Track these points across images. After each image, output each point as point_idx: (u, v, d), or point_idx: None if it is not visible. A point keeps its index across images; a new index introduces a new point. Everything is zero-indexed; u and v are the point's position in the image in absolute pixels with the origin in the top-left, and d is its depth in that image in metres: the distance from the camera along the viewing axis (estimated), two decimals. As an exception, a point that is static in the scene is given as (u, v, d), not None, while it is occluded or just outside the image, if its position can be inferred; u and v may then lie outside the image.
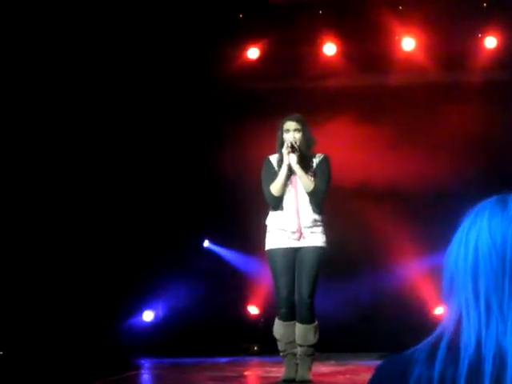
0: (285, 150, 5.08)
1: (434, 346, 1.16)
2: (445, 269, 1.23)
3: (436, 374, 1.12)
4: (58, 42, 6.95)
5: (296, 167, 5.11)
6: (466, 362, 1.12)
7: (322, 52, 7.89)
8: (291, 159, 5.10)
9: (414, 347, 1.19)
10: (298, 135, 5.14)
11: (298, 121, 5.18)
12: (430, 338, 1.19)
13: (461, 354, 1.13)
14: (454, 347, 1.15)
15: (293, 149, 5.07)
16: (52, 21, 6.79)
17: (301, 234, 5.14)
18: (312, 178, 5.18)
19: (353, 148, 7.40)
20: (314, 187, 5.12)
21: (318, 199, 5.16)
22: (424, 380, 1.13)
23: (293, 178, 5.19)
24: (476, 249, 1.19)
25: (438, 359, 1.14)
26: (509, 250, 1.17)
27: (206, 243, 8.14)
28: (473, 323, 1.16)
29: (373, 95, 7.79)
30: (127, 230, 7.47)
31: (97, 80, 7.26)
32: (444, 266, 1.23)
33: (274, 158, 5.28)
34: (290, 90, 7.81)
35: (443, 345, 1.15)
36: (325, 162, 5.27)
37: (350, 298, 7.33)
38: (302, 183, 5.12)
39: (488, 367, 1.11)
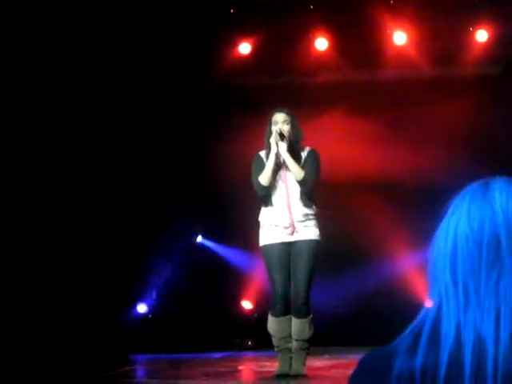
0: (273, 139, 5.07)
1: (416, 335, 1.15)
2: (429, 255, 1.22)
3: (418, 364, 1.11)
4: (54, 43, 6.93)
5: (286, 155, 5.09)
6: (447, 350, 1.11)
7: (313, 47, 7.89)
8: (280, 148, 5.08)
9: (397, 339, 1.18)
10: (286, 127, 5.14)
11: (287, 113, 5.18)
12: (412, 327, 1.17)
13: (441, 342, 1.12)
14: (435, 335, 1.14)
15: (281, 137, 5.06)
16: (48, 22, 6.77)
17: (294, 228, 5.15)
18: (302, 171, 5.17)
19: (345, 142, 7.41)
20: (305, 175, 5.10)
21: (308, 189, 5.15)
22: (406, 370, 1.12)
23: (282, 173, 5.19)
24: (455, 234, 1.18)
25: (420, 348, 1.13)
26: (485, 235, 1.16)
27: (199, 238, 8.15)
28: (452, 310, 1.15)
29: (365, 90, 7.79)
30: (120, 226, 7.46)
31: (88, 76, 7.24)
32: (429, 252, 1.22)
33: (263, 154, 5.29)
34: (281, 85, 7.81)
35: (424, 333, 1.14)
36: (313, 154, 5.28)
37: (343, 292, 7.34)
38: (292, 171, 5.10)
39: (468, 355, 1.10)
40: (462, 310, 1.14)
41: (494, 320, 1.11)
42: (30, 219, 6.98)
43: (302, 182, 5.12)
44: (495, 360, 1.09)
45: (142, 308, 7.84)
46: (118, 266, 7.39)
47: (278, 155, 5.11)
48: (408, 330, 1.18)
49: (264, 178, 5.12)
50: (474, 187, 1.22)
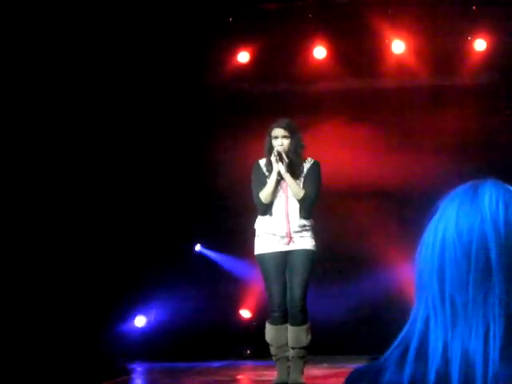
0: (273, 158, 5.09)
1: (404, 351, 1.10)
2: (416, 261, 1.16)
3: (405, 382, 1.07)
4: (55, 50, 6.94)
5: (286, 176, 5.11)
6: (434, 367, 1.06)
7: (312, 55, 7.90)
8: (280, 168, 5.11)
9: (384, 355, 1.13)
10: (286, 142, 5.15)
11: (285, 127, 5.17)
12: (400, 340, 1.12)
13: (429, 359, 1.07)
14: (422, 351, 1.08)
15: (280, 157, 5.08)
16: (46, 26, 6.78)
17: (290, 238, 5.15)
18: (301, 185, 5.18)
19: (342, 150, 7.41)
20: (304, 194, 5.14)
21: (308, 205, 5.18)
22: None
23: (283, 183, 5.20)
24: (443, 241, 1.11)
25: (407, 364, 1.08)
26: (474, 244, 1.09)
27: (198, 247, 8.14)
28: (440, 325, 1.09)
29: (363, 98, 7.80)
30: (119, 236, 7.45)
31: (86, 81, 7.24)
32: (416, 257, 1.16)
33: (263, 162, 5.29)
34: (280, 94, 7.82)
35: (412, 349, 1.09)
36: (315, 167, 5.28)
37: (342, 301, 7.32)
38: (292, 191, 5.13)
39: (455, 373, 1.05)
40: (449, 325, 1.08)
41: (483, 337, 1.06)
42: (26, 221, 6.96)
43: (301, 201, 5.15)
44: (484, 378, 1.04)
45: (140, 321, 7.81)
46: (116, 275, 7.37)
47: (279, 173, 5.13)
48: (396, 344, 1.12)
49: (264, 196, 5.14)
50: (462, 190, 1.15)
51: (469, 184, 1.16)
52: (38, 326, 6.83)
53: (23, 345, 6.54)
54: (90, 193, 7.35)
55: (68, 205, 7.24)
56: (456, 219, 1.11)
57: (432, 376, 1.06)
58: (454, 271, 1.09)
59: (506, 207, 1.10)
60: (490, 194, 1.12)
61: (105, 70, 7.30)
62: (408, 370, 1.07)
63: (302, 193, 5.13)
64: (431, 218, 1.15)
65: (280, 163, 5.10)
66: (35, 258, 6.98)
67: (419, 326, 1.11)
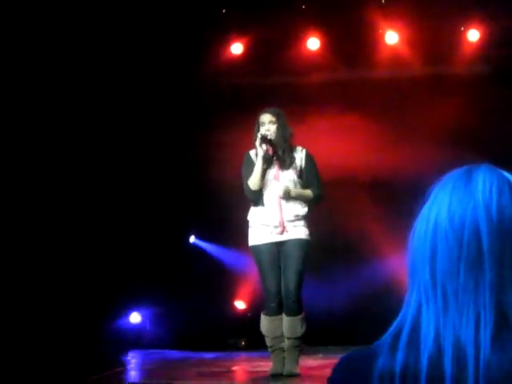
0: (257, 143, 5.09)
1: (396, 337, 1.09)
2: (408, 246, 1.14)
3: (398, 367, 1.06)
4: (49, 47, 6.91)
5: (293, 191, 5.12)
6: (426, 356, 1.05)
7: (305, 47, 7.89)
8: (260, 152, 5.10)
9: (378, 340, 1.12)
10: (272, 127, 5.16)
11: (272, 113, 5.20)
12: (392, 328, 1.12)
13: (421, 346, 1.06)
14: (414, 337, 1.08)
15: (264, 140, 5.07)
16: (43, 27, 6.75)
17: (283, 228, 5.15)
18: (295, 176, 5.18)
19: (336, 141, 7.42)
20: (314, 197, 5.18)
21: (316, 203, 5.24)
22: (386, 373, 1.07)
23: (275, 171, 5.19)
24: (435, 226, 1.10)
25: (400, 350, 1.07)
26: (466, 231, 1.07)
27: (192, 239, 8.14)
28: (431, 312, 1.08)
29: (357, 89, 7.80)
30: (113, 229, 7.44)
31: (78, 75, 7.22)
32: (408, 242, 1.14)
33: (253, 153, 5.29)
34: (274, 85, 7.81)
35: (403, 336, 1.08)
36: (309, 159, 5.28)
37: (338, 291, 7.34)
38: (302, 200, 5.16)
39: (448, 359, 1.04)
40: (441, 313, 1.07)
41: (474, 325, 1.05)
42: (23, 218, 6.95)
43: (313, 202, 5.19)
44: (476, 366, 1.03)
45: (135, 318, 7.80)
46: (109, 267, 7.37)
47: (264, 157, 5.12)
48: (389, 331, 1.12)
49: (253, 183, 5.14)
50: (455, 175, 1.14)
51: (463, 169, 1.15)
52: (32, 320, 6.83)
53: (18, 339, 6.55)
54: (85, 188, 7.34)
55: (63, 200, 7.23)
56: (448, 205, 1.10)
57: (424, 362, 1.05)
58: (446, 258, 1.08)
59: (500, 194, 1.09)
60: (483, 179, 1.10)
61: (96, 64, 7.28)
62: (400, 356, 1.07)
63: (311, 195, 5.18)
64: (424, 203, 1.14)
65: (265, 145, 5.09)
66: (32, 254, 6.98)
67: (411, 312, 1.11)
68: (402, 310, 1.13)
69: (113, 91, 7.49)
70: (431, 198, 1.14)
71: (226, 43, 7.93)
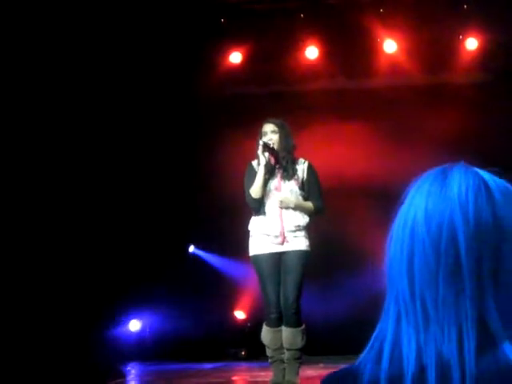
0: (259, 151, 5.08)
1: (378, 353, 1.05)
2: (386, 252, 1.09)
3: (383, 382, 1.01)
4: (48, 50, 6.91)
5: (292, 203, 5.12)
6: (410, 376, 1.00)
7: (304, 56, 7.90)
8: (267, 159, 5.10)
9: (360, 357, 1.08)
10: (275, 137, 5.14)
11: (275, 123, 5.19)
12: (373, 340, 1.07)
13: (404, 365, 1.01)
14: (396, 354, 1.03)
15: (266, 148, 5.06)
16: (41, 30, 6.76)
17: (284, 238, 5.14)
18: (297, 188, 5.18)
19: (335, 149, 7.42)
20: (314, 210, 5.17)
21: (317, 215, 5.24)
22: None
23: (277, 182, 5.19)
24: (412, 232, 1.05)
25: (383, 371, 1.02)
26: (444, 236, 1.02)
27: (192, 248, 8.12)
28: (411, 326, 1.03)
29: (356, 98, 7.81)
30: (113, 238, 7.42)
31: (81, 81, 7.22)
32: (386, 248, 1.09)
33: (256, 163, 5.28)
34: (273, 94, 7.82)
35: (385, 354, 1.03)
36: (312, 172, 5.26)
37: (338, 301, 7.33)
38: (303, 212, 5.15)
39: (431, 378, 0.99)
40: (421, 327, 1.02)
41: (456, 339, 1.00)
42: (22, 225, 6.94)
43: (314, 214, 5.19)
44: (462, 381, 0.98)
45: (134, 325, 7.79)
46: (110, 277, 7.35)
47: (266, 166, 5.11)
48: (369, 345, 1.07)
49: (255, 191, 5.12)
50: (431, 176, 1.09)
51: (438, 169, 1.11)
52: (31, 330, 6.80)
53: (17, 349, 6.52)
54: (85, 196, 7.33)
55: (63, 207, 7.22)
56: (425, 210, 1.05)
57: (409, 382, 1.00)
58: (424, 267, 1.03)
59: (476, 196, 1.04)
60: (459, 181, 1.07)
61: (96, 75, 7.28)
62: (384, 375, 1.02)
63: (312, 209, 5.17)
64: (401, 204, 1.10)
65: (267, 154, 5.08)
66: (31, 261, 6.96)
67: (391, 325, 1.06)
68: (381, 320, 1.08)
69: (113, 102, 7.49)
70: (407, 201, 1.09)
71: (225, 53, 7.94)
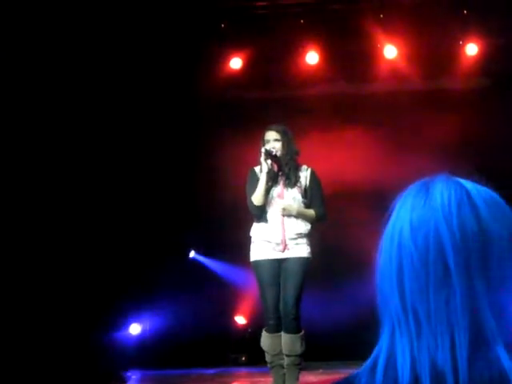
0: (262, 158, 5.08)
1: (373, 366, 1.06)
2: (376, 271, 1.10)
3: None
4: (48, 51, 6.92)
5: (295, 211, 5.12)
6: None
7: (304, 61, 7.91)
8: (270, 166, 5.10)
9: (355, 372, 1.09)
10: (277, 145, 5.14)
11: (277, 131, 5.17)
12: (371, 358, 1.08)
13: (398, 376, 1.03)
14: (391, 366, 1.04)
15: (269, 155, 5.06)
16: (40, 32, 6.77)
17: (285, 245, 5.13)
18: (299, 195, 5.17)
19: (337, 155, 7.42)
20: (316, 217, 5.17)
21: (320, 222, 5.24)
22: None
23: (279, 189, 5.18)
24: (399, 246, 1.07)
25: (377, 381, 1.04)
26: (431, 249, 1.04)
27: (192, 254, 8.12)
28: (405, 337, 1.04)
29: (356, 103, 7.82)
30: (113, 242, 7.42)
31: (80, 84, 7.22)
32: (376, 266, 1.10)
33: (258, 169, 5.28)
34: (273, 99, 7.83)
35: (380, 366, 1.05)
36: (314, 179, 5.26)
37: (338, 306, 7.31)
38: (305, 220, 5.15)
39: None
40: (414, 336, 1.03)
41: (449, 346, 1.02)
42: (22, 228, 6.94)
43: (316, 221, 5.19)
44: None
45: (135, 329, 7.78)
46: (110, 281, 7.35)
47: (269, 173, 5.11)
48: (367, 362, 1.08)
49: (257, 198, 5.12)
50: (413, 191, 1.11)
51: (420, 182, 1.12)
52: (31, 334, 6.80)
53: (17, 353, 6.51)
54: (87, 201, 7.33)
55: (62, 209, 7.22)
56: (410, 223, 1.07)
57: None
58: (413, 279, 1.05)
59: (459, 206, 1.06)
60: (441, 193, 1.08)
61: (98, 76, 7.29)
62: None
63: (314, 217, 5.17)
64: (387, 220, 1.12)
65: (270, 161, 5.08)
66: (31, 265, 6.95)
67: (385, 338, 1.07)
68: (380, 337, 1.09)
69: (114, 106, 7.49)
70: (393, 215, 1.11)
71: (226, 57, 7.95)
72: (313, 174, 5.26)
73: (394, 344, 1.06)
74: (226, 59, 7.96)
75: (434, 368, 1.02)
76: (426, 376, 1.01)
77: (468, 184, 1.10)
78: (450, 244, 1.04)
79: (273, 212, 5.16)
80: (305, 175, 5.24)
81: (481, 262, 1.04)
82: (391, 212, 1.11)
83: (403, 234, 1.07)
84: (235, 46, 7.90)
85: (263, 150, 5.06)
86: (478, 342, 1.02)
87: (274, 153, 5.07)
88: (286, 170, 5.16)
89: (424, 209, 1.07)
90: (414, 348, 1.03)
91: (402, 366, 1.03)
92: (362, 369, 1.08)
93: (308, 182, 5.22)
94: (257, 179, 5.19)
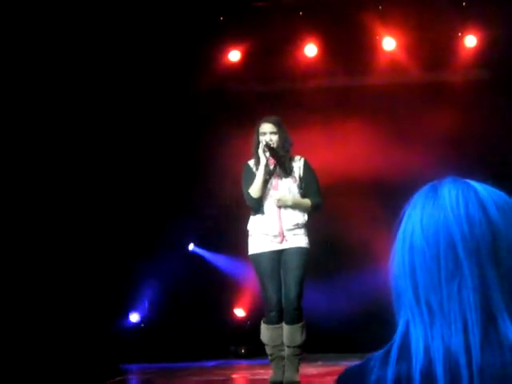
0: (260, 150, 5.07)
1: (387, 352, 1.12)
2: (390, 270, 1.18)
3: (390, 381, 1.09)
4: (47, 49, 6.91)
5: (290, 201, 5.11)
6: (418, 369, 1.08)
7: (303, 53, 7.90)
8: (268, 160, 5.10)
9: (372, 354, 1.15)
10: (274, 137, 5.13)
11: (274, 123, 5.16)
12: (386, 347, 1.14)
13: (412, 360, 1.09)
14: (405, 352, 1.10)
15: (268, 149, 5.06)
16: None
17: (283, 237, 5.13)
18: (295, 186, 5.17)
19: (335, 148, 7.41)
20: (312, 207, 5.16)
21: (316, 211, 5.22)
22: None
23: (274, 181, 5.18)
24: (411, 246, 1.14)
25: (390, 366, 1.10)
26: (442, 244, 1.11)
27: (191, 246, 8.12)
28: (418, 327, 1.11)
29: (355, 95, 7.80)
30: (113, 234, 7.42)
31: (79, 79, 7.21)
32: (390, 265, 1.18)
33: (252, 163, 5.28)
34: (272, 92, 7.82)
35: (393, 351, 1.11)
36: (308, 168, 5.26)
37: (338, 298, 7.32)
38: (301, 209, 5.14)
39: (439, 372, 1.06)
40: (428, 325, 1.10)
41: (462, 331, 1.08)
42: (20, 224, 6.94)
43: (312, 211, 5.17)
44: (469, 372, 1.06)
45: (134, 317, 7.80)
46: (109, 274, 7.35)
47: (266, 166, 5.11)
48: (384, 347, 1.14)
49: (254, 191, 5.11)
50: (423, 193, 1.18)
51: (428, 186, 1.19)
52: (30, 328, 6.80)
53: (15, 348, 6.52)
54: (86, 195, 7.32)
55: (62, 204, 7.22)
56: (421, 223, 1.14)
57: (417, 377, 1.07)
58: (426, 274, 1.11)
59: (466, 203, 1.13)
60: (449, 192, 1.15)
61: (95, 70, 7.27)
62: (392, 370, 1.09)
63: (309, 207, 5.15)
64: (399, 224, 1.18)
65: (268, 154, 5.07)
66: (29, 261, 6.96)
67: (400, 329, 1.14)
68: (395, 331, 1.15)
69: (110, 101, 7.48)
70: (404, 219, 1.18)
71: (224, 50, 7.93)
72: (306, 164, 5.26)
73: (408, 333, 1.12)
74: (225, 52, 7.94)
75: (447, 352, 1.07)
76: (440, 360, 1.07)
77: (476, 184, 1.17)
78: (460, 238, 1.10)
79: (269, 204, 5.16)
80: (298, 165, 5.24)
81: (490, 252, 1.10)
82: (402, 215, 1.18)
83: (415, 233, 1.14)
84: (234, 39, 7.88)
85: (263, 141, 5.06)
86: (490, 327, 1.08)
87: (272, 145, 5.08)
88: (281, 161, 5.16)
89: (433, 208, 1.14)
90: (428, 336, 1.09)
91: (415, 352, 1.09)
92: (375, 354, 1.14)
93: (302, 172, 5.22)
94: (252, 173, 5.19)
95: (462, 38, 7.71)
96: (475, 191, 1.14)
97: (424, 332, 1.10)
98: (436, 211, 1.13)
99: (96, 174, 7.39)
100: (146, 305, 7.84)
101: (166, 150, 7.79)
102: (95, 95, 7.37)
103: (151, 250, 7.61)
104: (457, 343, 1.07)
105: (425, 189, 1.19)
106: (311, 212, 5.20)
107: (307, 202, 5.17)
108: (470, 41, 7.68)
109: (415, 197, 1.19)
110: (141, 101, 7.66)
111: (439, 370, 1.06)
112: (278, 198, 5.10)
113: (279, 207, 5.12)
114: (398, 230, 1.18)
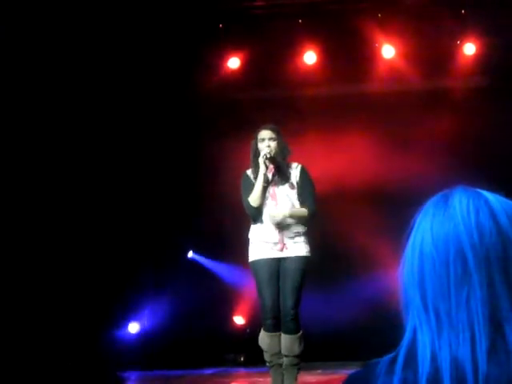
0: (261, 159, 5.07)
1: (393, 359, 1.13)
2: (400, 277, 1.18)
3: None
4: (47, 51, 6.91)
5: (288, 214, 5.09)
6: (425, 377, 1.08)
7: (302, 61, 7.91)
8: (268, 171, 5.09)
9: (377, 359, 1.15)
10: (273, 144, 5.13)
11: (272, 130, 5.16)
12: (392, 353, 1.14)
13: (418, 368, 1.09)
14: (411, 359, 1.11)
15: (269, 159, 5.06)
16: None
17: (283, 245, 5.12)
18: (293, 194, 5.16)
19: (333, 155, 7.41)
20: (308, 214, 5.13)
21: (311, 219, 5.19)
22: None
23: (272, 189, 5.17)
24: (421, 254, 1.15)
25: (396, 374, 1.10)
26: (451, 253, 1.12)
27: (191, 254, 8.11)
28: (426, 334, 1.11)
29: (354, 103, 7.81)
30: (113, 242, 7.42)
31: (79, 83, 7.21)
32: (399, 273, 1.19)
33: (250, 172, 5.27)
34: (271, 100, 7.82)
35: (400, 358, 1.11)
36: (305, 175, 5.24)
37: (336, 307, 7.31)
38: (296, 219, 5.12)
39: (446, 381, 1.06)
40: (435, 334, 1.10)
41: (470, 341, 1.08)
42: (19, 228, 6.93)
43: (307, 219, 5.15)
44: (475, 382, 1.05)
45: (133, 328, 7.78)
46: (109, 282, 7.34)
47: (266, 174, 5.10)
48: (390, 355, 1.14)
49: (254, 199, 5.10)
50: (433, 202, 1.18)
51: (439, 194, 1.19)
52: (30, 336, 6.78)
53: (14, 354, 6.50)
54: (87, 200, 7.32)
55: (62, 209, 7.21)
56: (431, 231, 1.14)
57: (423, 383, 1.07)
58: (435, 282, 1.12)
59: (477, 212, 1.13)
60: (460, 201, 1.15)
61: (96, 77, 7.28)
62: (397, 379, 1.09)
63: (305, 215, 5.13)
64: (409, 232, 1.19)
65: (268, 162, 5.07)
66: (29, 269, 6.94)
67: (407, 336, 1.13)
68: (402, 338, 1.15)
69: (110, 105, 7.48)
70: (415, 228, 1.18)
71: (223, 57, 7.94)
72: (303, 171, 5.25)
73: (415, 341, 1.12)
74: (224, 59, 7.95)
75: (454, 361, 1.07)
76: (447, 370, 1.07)
77: (486, 193, 1.17)
78: (469, 245, 1.10)
79: (267, 213, 5.15)
80: (295, 173, 5.23)
81: (500, 261, 1.10)
82: (412, 224, 1.19)
83: (424, 241, 1.14)
84: (233, 46, 7.89)
85: (265, 153, 5.04)
86: (498, 336, 1.08)
87: (272, 155, 5.07)
88: (280, 169, 5.16)
89: (444, 216, 1.14)
90: (435, 344, 1.09)
91: (422, 359, 1.09)
92: (380, 360, 1.13)
93: (299, 179, 5.21)
94: (250, 182, 5.18)
95: (461, 45, 7.72)
96: (486, 200, 1.15)
97: (431, 340, 1.10)
98: (446, 220, 1.14)
99: (96, 180, 7.39)
100: (146, 313, 7.82)
101: (165, 157, 7.79)
102: (97, 101, 7.38)
103: (150, 258, 7.60)
104: (464, 353, 1.07)
105: (436, 197, 1.19)
106: (308, 220, 5.18)
107: (303, 211, 5.15)
108: (469, 48, 7.69)
109: (426, 205, 1.19)
110: (141, 108, 7.67)
111: (446, 378, 1.06)
112: (272, 215, 5.08)
113: (274, 224, 5.10)
114: (407, 238, 1.18)
